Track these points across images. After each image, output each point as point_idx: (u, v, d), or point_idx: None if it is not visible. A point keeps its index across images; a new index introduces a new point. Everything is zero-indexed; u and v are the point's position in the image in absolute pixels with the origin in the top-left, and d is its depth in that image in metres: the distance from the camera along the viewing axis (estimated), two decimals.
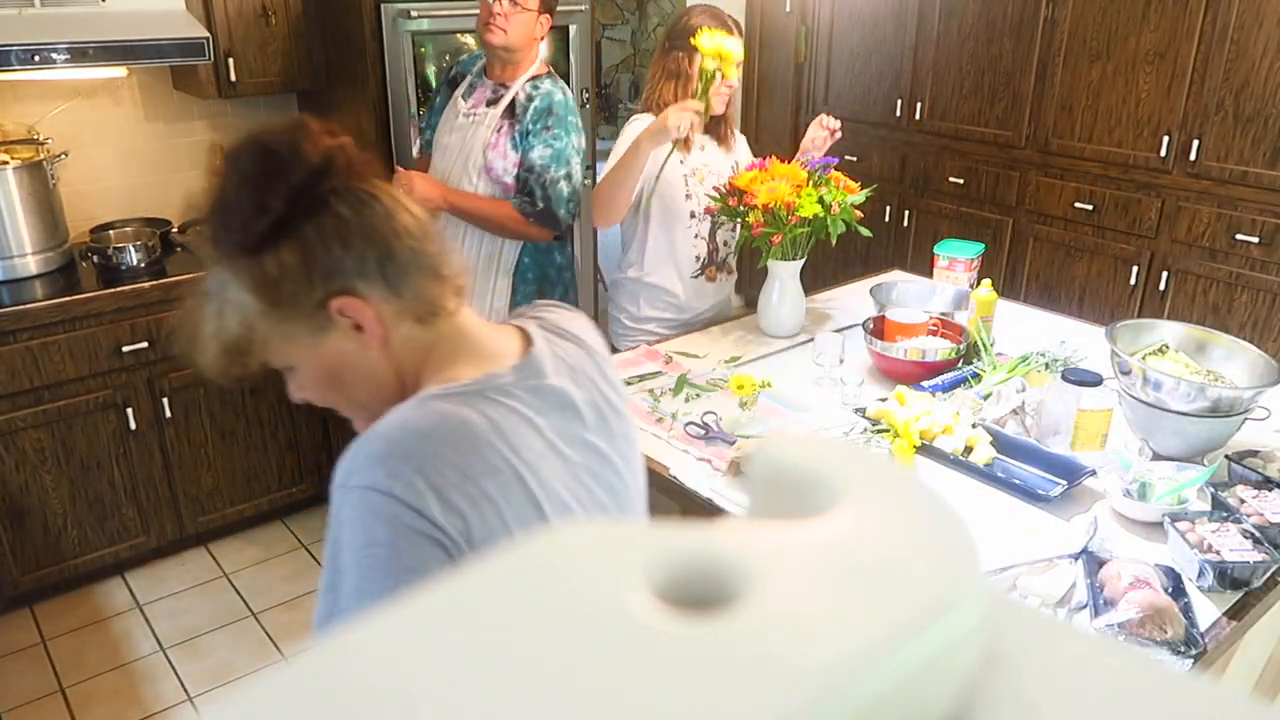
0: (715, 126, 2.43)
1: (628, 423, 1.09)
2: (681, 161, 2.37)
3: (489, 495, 0.89)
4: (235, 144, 0.91)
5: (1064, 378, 1.76)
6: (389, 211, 0.92)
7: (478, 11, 3.22)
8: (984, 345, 2.10)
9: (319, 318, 0.92)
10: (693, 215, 2.38)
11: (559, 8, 3.20)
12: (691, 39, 2.19)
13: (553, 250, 2.52)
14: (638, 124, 2.29)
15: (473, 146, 2.39)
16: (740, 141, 2.54)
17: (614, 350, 2.55)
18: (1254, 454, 1.71)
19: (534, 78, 2.39)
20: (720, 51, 2.11)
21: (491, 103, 2.40)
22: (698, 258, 2.43)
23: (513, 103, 2.37)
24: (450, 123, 2.46)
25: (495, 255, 2.46)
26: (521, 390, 0.96)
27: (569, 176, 2.38)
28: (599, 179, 2.36)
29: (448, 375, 0.96)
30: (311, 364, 0.96)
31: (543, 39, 2.42)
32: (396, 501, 0.85)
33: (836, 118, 2.43)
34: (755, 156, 2.42)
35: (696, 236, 2.41)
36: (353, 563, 0.86)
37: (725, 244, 2.46)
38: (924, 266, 2.74)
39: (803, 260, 2.30)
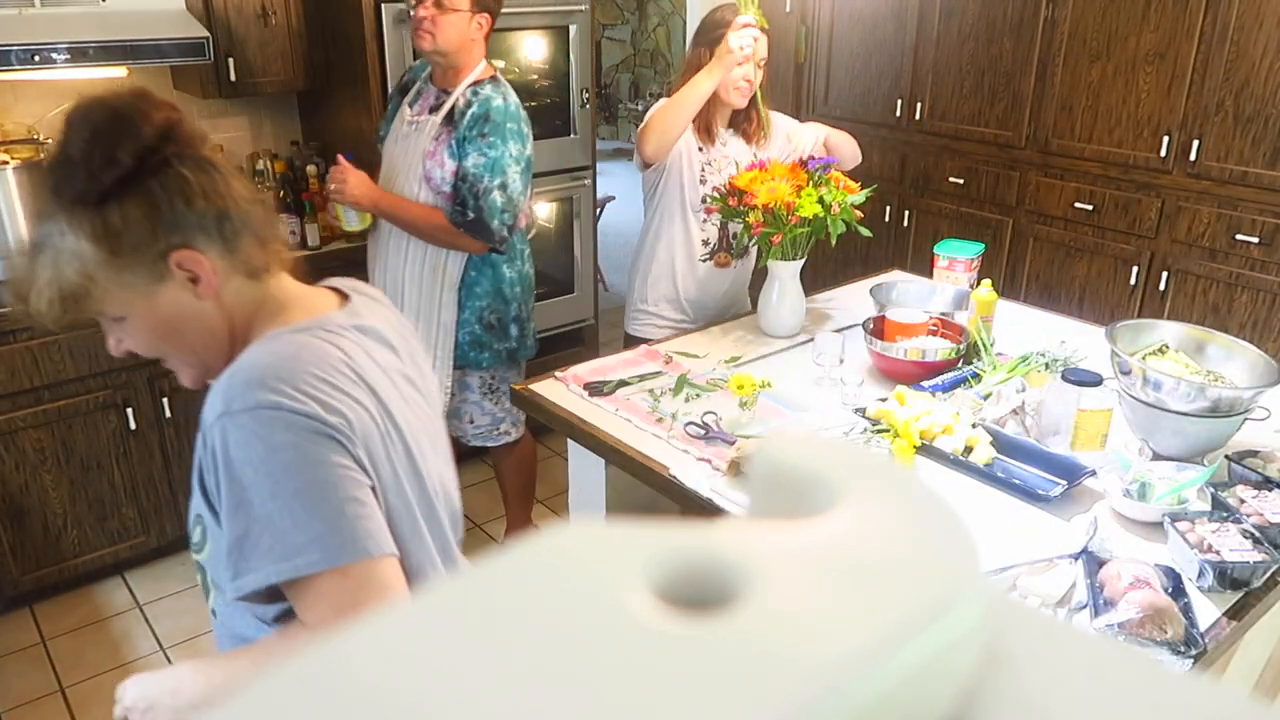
0: (738, 121, 2.44)
1: (431, 377, 1.22)
2: (701, 149, 2.39)
3: (358, 400, 1.00)
4: (81, 104, 0.98)
5: (1064, 378, 1.76)
6: (225, 178, 1.02)
7: None
8: (984, 345, 2.10)
9: (158, 269, 0.99)
10: (704, 201, 2.40)
11: (557, 8, 3.21)
12: (722, 28, 2.25)
13: (500, 265, 2.47)
14: (662, 103, 2.34)
15: (414, 155, 2.36)
16: (781, 134, 2.48)
17: (629, 337, 2.55)
18: (1254, 454, 1.71)
19: (476, 83, 2.33)
20: None
21: (434, 109, 2.36)
22: (705, 242, 2.45)
23: (453, 110, 2.32)
24: (397, 131, 2.43)
25: (439, 268, 2.41)
26: (352, 329, 1.07)
27: (504, 187, 2.31)
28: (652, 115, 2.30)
29: (282, 320, 1.06)
30: (146, 313, 1.02)
31: (486, 39, 2.36)
32: (286, 410, 0.94)
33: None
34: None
35: (705, 223, 2.44)
36: (261, 474, 0.93)
37: (734, 235, 2.47)
38: (924, 266, 2.74)
39: (803, 260, 2.30)
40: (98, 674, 2.59)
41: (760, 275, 2.39)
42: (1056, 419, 1.78)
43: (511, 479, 2.86)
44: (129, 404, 2.74)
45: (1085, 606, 1.36)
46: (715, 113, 2.38)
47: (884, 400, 1.88)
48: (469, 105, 2.30)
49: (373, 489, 1.00)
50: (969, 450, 1.74)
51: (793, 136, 2.45)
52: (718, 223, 2.44)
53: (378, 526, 0.98)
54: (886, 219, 4.01)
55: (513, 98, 2.35)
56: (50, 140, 2.84)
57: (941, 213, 3.86)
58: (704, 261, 2.48)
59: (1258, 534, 1.46)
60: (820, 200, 2.14)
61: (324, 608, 0.95)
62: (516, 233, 2.47)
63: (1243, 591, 1.41)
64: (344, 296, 1.14)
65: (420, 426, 1.12)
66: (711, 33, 2.31)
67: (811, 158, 2.36)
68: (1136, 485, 1.59)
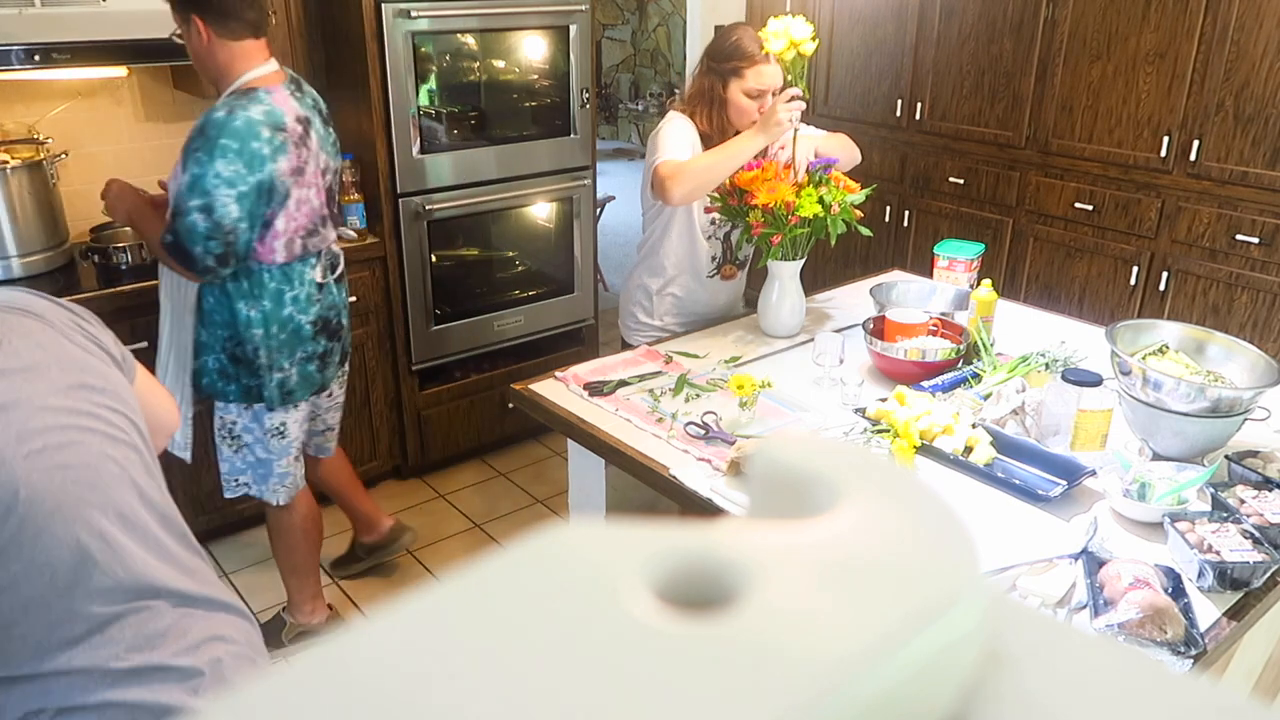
0: None
1: (115, 367, 1.16)
2: None
3: None
4: None
5: (1064, 378, 1.76)
6: None
7: (477, 11, 3.21)
8: (984, 345, 2.10)
9: None
10: (711, 220, 2.40)
11: (557, 8, 3.21)
12: (741, 61, 2.22)
13: (235, 300, 2.17)
14: (676, 122, 2.31)
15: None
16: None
17: (626, 346, 2.54)
18: (1254, 454, 1.71)
19: (231, 94, 2.08)
20: (790, 41, 2.11)
21: None
22: (713, 258, 2.45)
23: None
24: None
25: (181, 286, 2.19)
26: None
27: (207, 210, 2.00)
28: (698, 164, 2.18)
29: None
30: None
31: (226, 41, 2.07)
32: None
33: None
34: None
35: (710, 238, 2.43)
36: None
37: (735, 245, 2.47)
38: (924, 266, 2.74)
39: (803, 260, 2.30)
40: None
41: (760, 275, 2.39)
42: (1056, 419, 1.78)
43: (275, 545, 2.55)
44: None
45: (1085, 606, 1.36)
46: (726, 136, 2.36)
47: (884, 400, 1.88)
48: None
49: None
50: (969, 450, 1.74)
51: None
52: (721, 237, 2.44)
53: None
54: (886, 219, 4.01)
55: (246, 114, 2.02)
56: (51, 140, 2.84)
57: (941, 213, 3.86)
58: (711, 278, 2.48)
59: (1258, 534, 1.46)
60: (820, 200, 2.14)
61: None
62: (261, 268, 2.16)
63: (1243, 591, 1.41)
64: None
65: (93, 465, 1.06)
66: (725, 62, 2.25)
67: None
68: (1136, 485, 1.59)
